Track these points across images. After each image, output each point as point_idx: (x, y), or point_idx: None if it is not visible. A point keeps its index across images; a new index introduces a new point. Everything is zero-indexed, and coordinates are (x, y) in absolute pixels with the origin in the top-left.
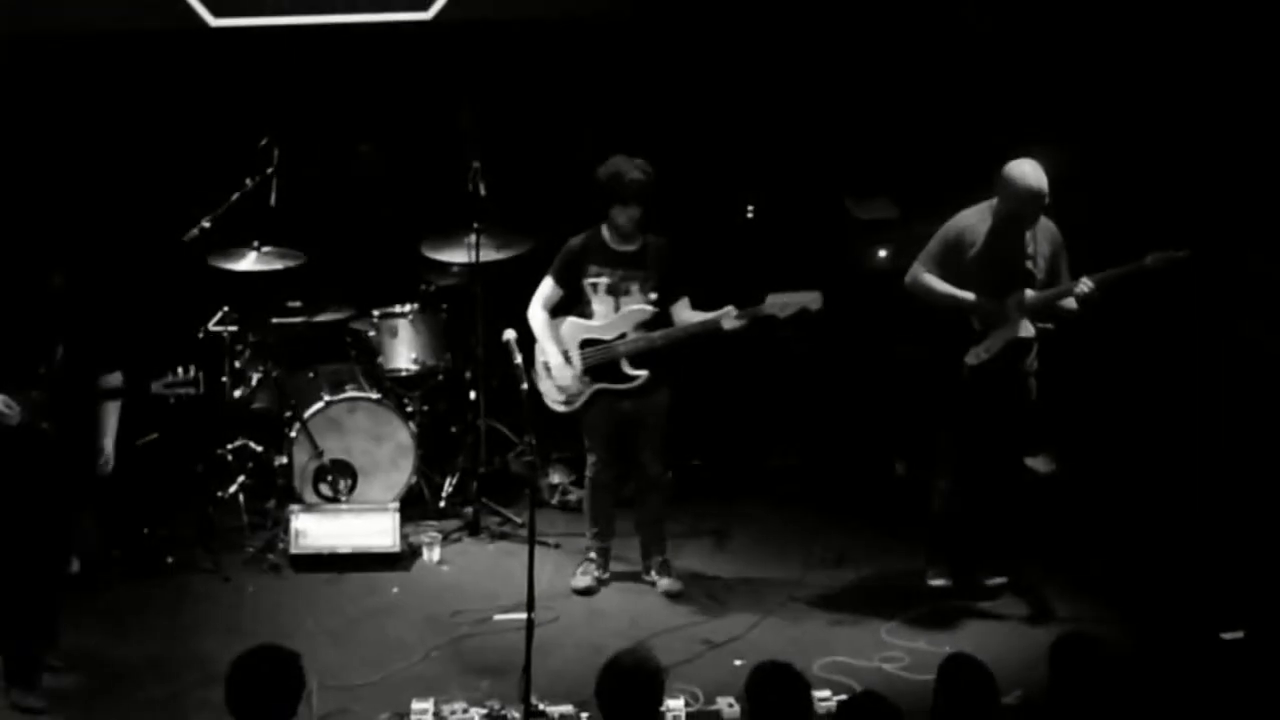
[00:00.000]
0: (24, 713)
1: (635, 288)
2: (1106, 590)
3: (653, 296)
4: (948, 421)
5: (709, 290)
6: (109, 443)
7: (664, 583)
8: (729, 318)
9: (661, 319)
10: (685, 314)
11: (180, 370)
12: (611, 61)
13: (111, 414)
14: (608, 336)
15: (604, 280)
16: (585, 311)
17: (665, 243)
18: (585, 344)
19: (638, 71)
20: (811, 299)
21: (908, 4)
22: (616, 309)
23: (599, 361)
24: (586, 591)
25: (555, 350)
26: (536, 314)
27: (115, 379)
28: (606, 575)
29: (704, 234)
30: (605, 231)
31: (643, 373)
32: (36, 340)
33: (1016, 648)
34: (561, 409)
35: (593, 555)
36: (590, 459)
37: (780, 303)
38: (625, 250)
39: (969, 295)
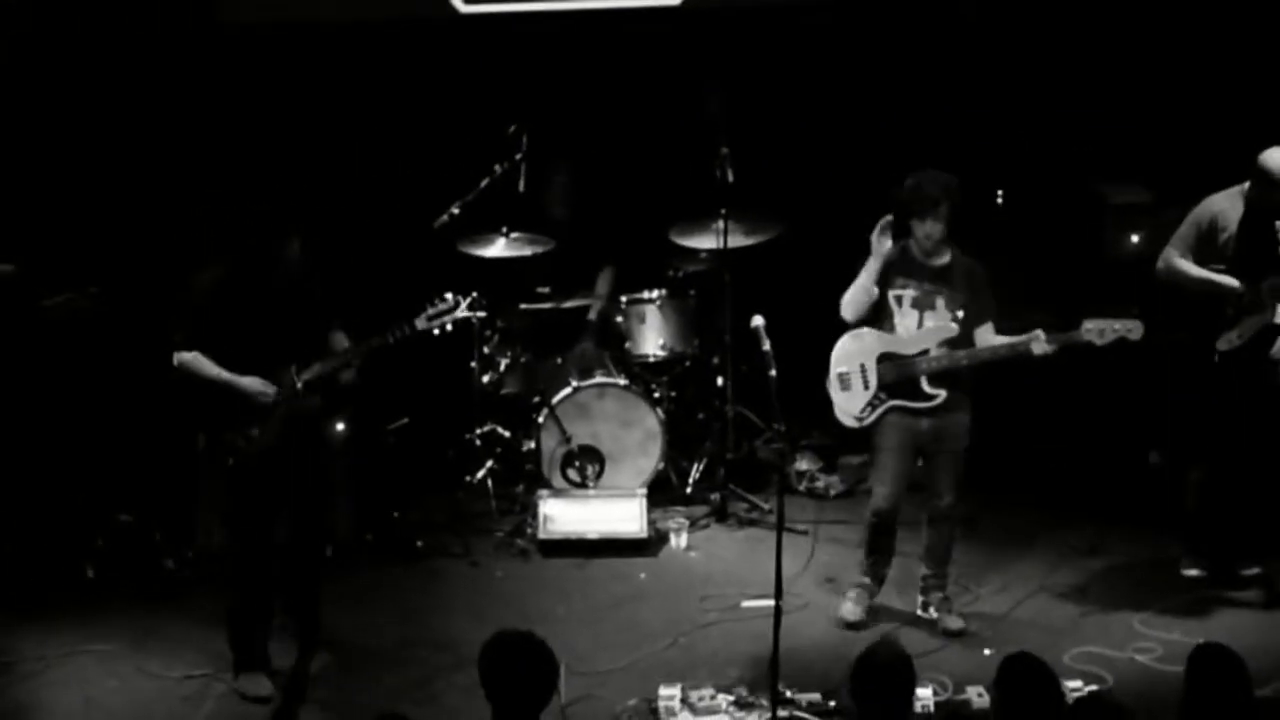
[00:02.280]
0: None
1: (942, 303)
2: None
3: (959, 314)
4: (1201, 410)
5: None
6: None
7: (947, 620)
8: (1039, 342)
9: (963, 339)
10: (989, 338)
11: (438, 300)
12: (860, 45)
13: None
14: (909, 351)
15: (909, 293)
16: (885, 325)
17: (976, 264)
18: (883, 358)
19: (888, 55)
20: (1132, 327)
21: None
22: (920, 324)
23: (897, 378)
24: (856, 625)
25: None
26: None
27: (341, 339)
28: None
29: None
30: (911, 244)
31: (941, 392)
32: (282, 322)
33: (1274, 639)
34: (853, 424)
35: (865, 582)
36: (877, 489)
37: (1098, 329)
38: (934, 265)
39: (1225, 279)
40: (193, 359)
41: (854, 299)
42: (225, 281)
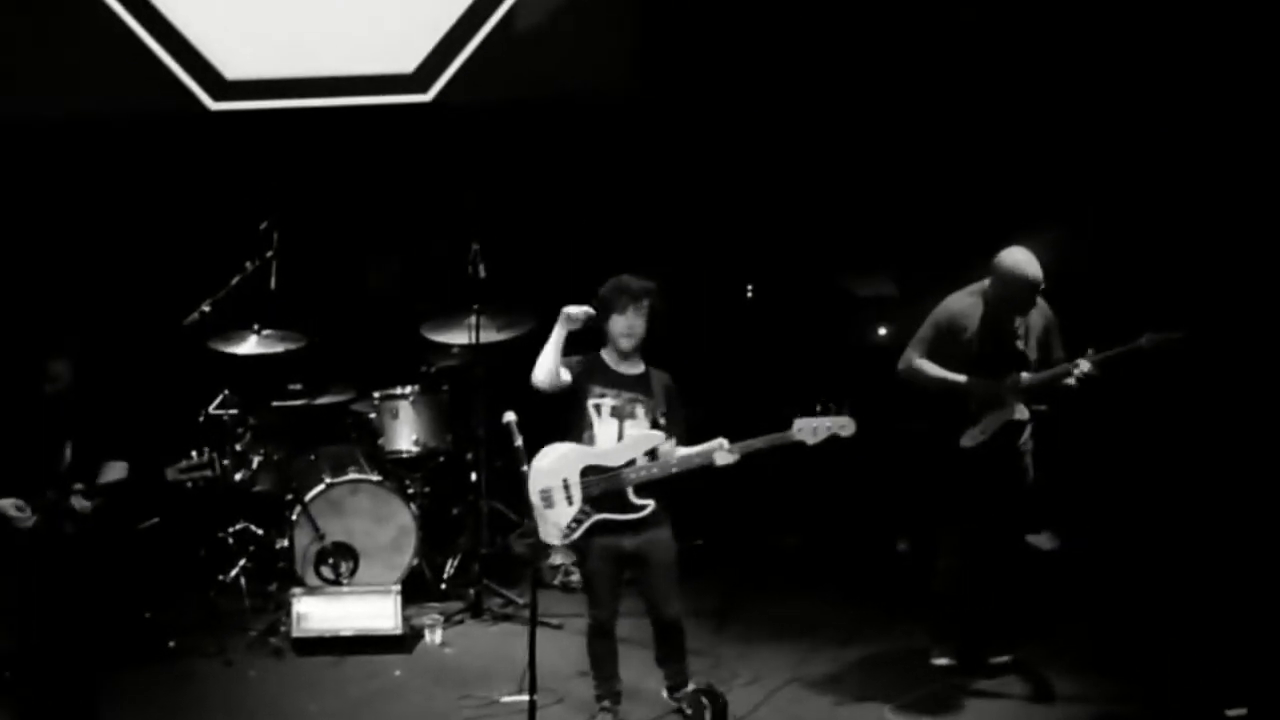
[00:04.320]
0: None
1: (642, 411)
2: (1111, 667)
3: (661, 421)
4: (947, 501)
5: (714, 379)
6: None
7: (699, 715)
8: (722, 451)
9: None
10: (679, 451)
11: (194, 454)
12: (611, 142)
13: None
14: (614, 463)
15: (609, 401)
16: (584, 435)
17: (669, 378)
18: (588, 471)
19: (637, 152)
20: (843, 424)
21: (904, 80)
22: (620, 433)
23: (604, 491)
24: None
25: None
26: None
27: (119, 469)
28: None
29: (703, 314)
30: (605, 354)
31: (650, 502)
32: (45, 441)
33: None
34: (559, 541)
35: (606, 704)
36: (592, 611)
37: (810, 427)
38: (630, 374)
39: (964, 379)
40: None
41: (542, 363)
42: None
